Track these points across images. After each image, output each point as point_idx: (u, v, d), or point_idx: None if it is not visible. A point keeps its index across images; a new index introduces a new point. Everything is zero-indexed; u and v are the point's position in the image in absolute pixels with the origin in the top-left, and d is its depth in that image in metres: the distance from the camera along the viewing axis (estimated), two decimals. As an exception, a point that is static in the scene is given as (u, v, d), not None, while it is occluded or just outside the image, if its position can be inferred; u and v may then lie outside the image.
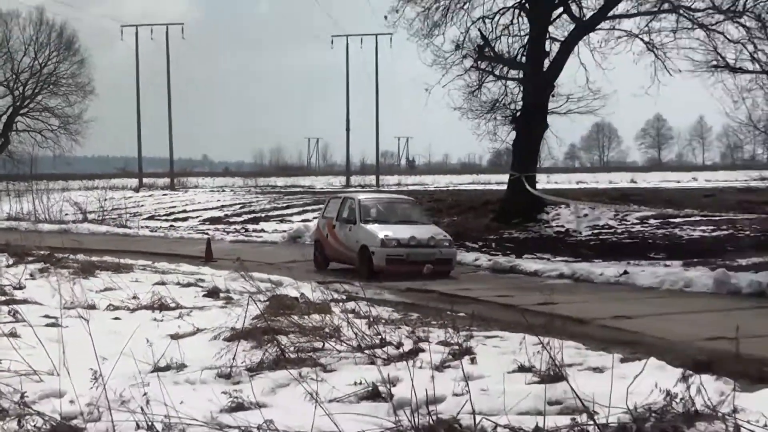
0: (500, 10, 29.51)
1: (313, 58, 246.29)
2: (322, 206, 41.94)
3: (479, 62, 29.96)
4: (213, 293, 15.05)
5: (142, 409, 6.45)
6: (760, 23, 20.82)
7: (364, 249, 20.00)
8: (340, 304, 12.12)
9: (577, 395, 6.13)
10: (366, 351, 9.46)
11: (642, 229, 26.59)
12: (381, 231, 20.03)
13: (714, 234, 24.92)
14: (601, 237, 25.79)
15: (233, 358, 8.98)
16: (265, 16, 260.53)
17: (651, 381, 6.67)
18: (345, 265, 21.18)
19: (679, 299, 15.17)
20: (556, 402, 7.01)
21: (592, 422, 5.77)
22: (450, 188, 54.82)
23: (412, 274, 19.08)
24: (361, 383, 7.84)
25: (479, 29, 29.49)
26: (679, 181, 58.06)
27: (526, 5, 29.32)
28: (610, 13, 28.34)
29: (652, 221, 27.52)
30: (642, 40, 27.68)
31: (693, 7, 24.49)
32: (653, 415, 6.26)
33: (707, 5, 23.52)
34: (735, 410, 6.27)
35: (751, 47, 20.97)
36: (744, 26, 21.99)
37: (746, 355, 8.71)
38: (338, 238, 21.49)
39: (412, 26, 29.94)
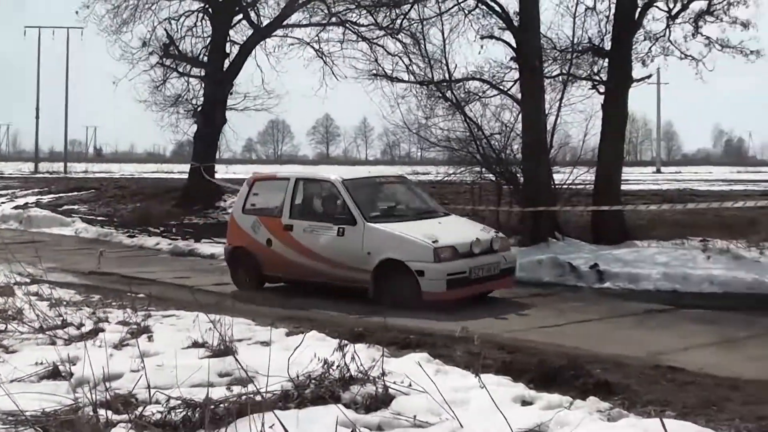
0: (185, 12, 29.46)
1: (5, 47, 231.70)
2: (11, 191, 39.62)
3: (164, 59, 29.65)
4: None
5: None
6: (414, 40, 21.84)
7: (390, 266, 12.34)
8: (23, 287, 11.52)
9: (242, 367, 6.15)
10: (48, 332, 9.04)
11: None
12: (419, 234, 12.40)
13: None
14: (274, 223, 26.08)
15: None
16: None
17: (312, 351, 6.84)
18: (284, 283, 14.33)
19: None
20: (226, 374, 7.00)
21: (256, 391, 5.80)
22: (135, 176, 53.44)
23: (470, 299, 12.53)
24: (42, 363, 7.47)
25: (165, 29, 29.27)
26: (344, 174, 59.75)
27: (210, 10, 29.40)
28: (285, 22, 28.84)
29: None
30: (313, 47, 28.42)
31: (358, 22, 25.33)
32: (313, 381, 6.40)
33: (370, 22, 24.37)
34: (383, 373, 6.52)
35: (407, 60, 21.93)
36: (401, 42, 23.00)
37: (396, 326, 9.12)
38: (306, 247, 13.28)
39: (102, 22, 29.12)
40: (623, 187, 20.71)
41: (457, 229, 13.14)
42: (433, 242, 12.11)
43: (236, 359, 6.32)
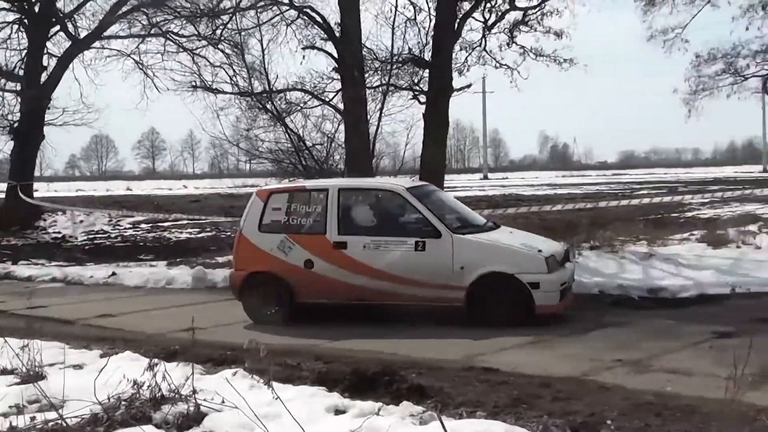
0: (-1, 23, 28.50)
1: None
2: None
3: (-23, 73, 28.62)
4: None
5: None
6: (237, 51, 21.79)
7: (492, 281, 11.22)
8: None
9: (44, 394, 6.02)
10: None
11: (134, 233, 26.80)
12: (518, 243, 11.60)
13: (200, 236, 25.69)
14: (96, 241, 25.54)
15: None
16: None
17: (124, 372, 6.75)
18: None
19: (162, 296, 15.30)
20: (35, 401, 6.79)
21: (60, 416, 5.71)
22: (-51, 197, 51.07)
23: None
24: None
25: (-23, 41, 28.23)
26: (171, 189, 58.89)
27: (25, 21, 28.57)
28: (104, 34, 28.32)
29: (143, 225, 27.82)
30: (133, 59, 28.08)
31: (179, 33, 25.11)
32: (123, 403, 6.32)
33: (191, 32, 24.22)
34: (194, 391, 6.46)
35: (231, 71, 21.83)
36: (223, 52, 22.94)
37: (215, 342, 9.08)
38: (368, 266, 11.61)
39: None
40: (451, 194, 21.14)
41: (534, 238, 12.35)
42: (539, 251, 11.31)
43: (34, 385, 6.16)
